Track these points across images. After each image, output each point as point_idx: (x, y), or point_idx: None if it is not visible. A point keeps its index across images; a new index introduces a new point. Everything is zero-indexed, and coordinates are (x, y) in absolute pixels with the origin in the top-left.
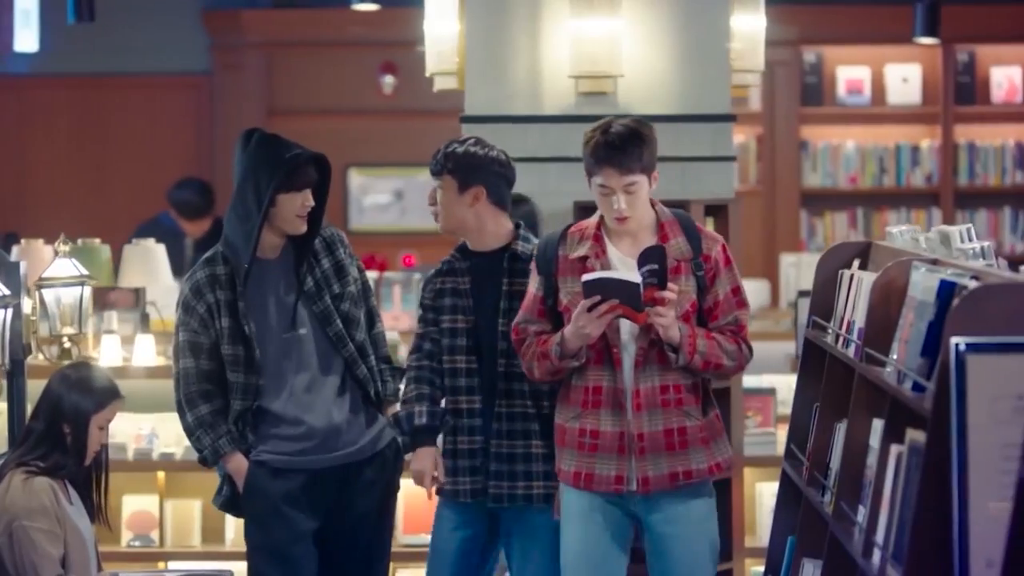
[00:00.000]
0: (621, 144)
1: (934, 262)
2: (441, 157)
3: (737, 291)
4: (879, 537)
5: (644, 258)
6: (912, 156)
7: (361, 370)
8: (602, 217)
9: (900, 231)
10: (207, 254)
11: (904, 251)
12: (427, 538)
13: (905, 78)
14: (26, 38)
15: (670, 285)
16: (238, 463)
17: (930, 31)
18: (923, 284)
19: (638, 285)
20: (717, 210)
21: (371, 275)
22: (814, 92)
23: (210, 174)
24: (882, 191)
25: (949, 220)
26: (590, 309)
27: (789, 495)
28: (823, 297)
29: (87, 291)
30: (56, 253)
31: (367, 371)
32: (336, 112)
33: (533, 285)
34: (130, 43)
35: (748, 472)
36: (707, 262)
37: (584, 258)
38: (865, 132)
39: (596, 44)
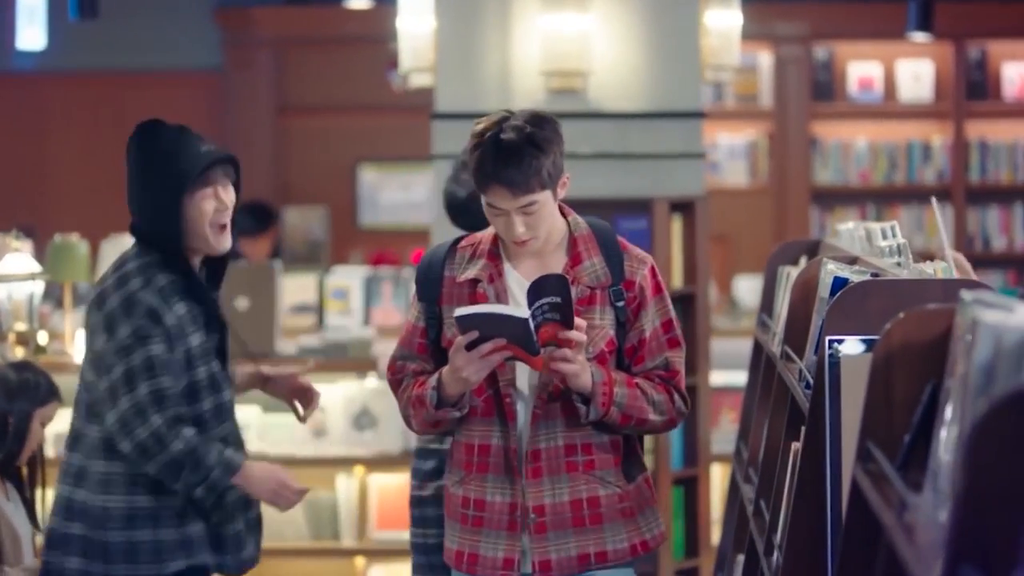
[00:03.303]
0: (513, 158)
1: (853, 260)
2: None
3: (669, 326)
4: (778, 536)
5: (536, 291)
6: (923, 153)
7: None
8: None
9: (848, 228)
10: (135, 263)
11: (841, 249)
12: (402, 534)
13: (916, 75)
14: (32, 35)
15: (578, 321)
16: (260, 468)
17: (923, 26)
18: (824, 281)
19: (526, 321)
20: (685, 208)
21: (363, 271)
22: (825, 89)
23: None
24: (893, 188)
25: (961, 217)
26: (469, 348)
27: (735, 492)
28: (771, 295)
29: (39, 287)
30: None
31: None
32: (347, 108)
33: (412, 313)
34: (142, 40)
35: (722, 468)
36: (629, 289)
37: (475, 281)
38: (876, 129)
39: (566, 41)
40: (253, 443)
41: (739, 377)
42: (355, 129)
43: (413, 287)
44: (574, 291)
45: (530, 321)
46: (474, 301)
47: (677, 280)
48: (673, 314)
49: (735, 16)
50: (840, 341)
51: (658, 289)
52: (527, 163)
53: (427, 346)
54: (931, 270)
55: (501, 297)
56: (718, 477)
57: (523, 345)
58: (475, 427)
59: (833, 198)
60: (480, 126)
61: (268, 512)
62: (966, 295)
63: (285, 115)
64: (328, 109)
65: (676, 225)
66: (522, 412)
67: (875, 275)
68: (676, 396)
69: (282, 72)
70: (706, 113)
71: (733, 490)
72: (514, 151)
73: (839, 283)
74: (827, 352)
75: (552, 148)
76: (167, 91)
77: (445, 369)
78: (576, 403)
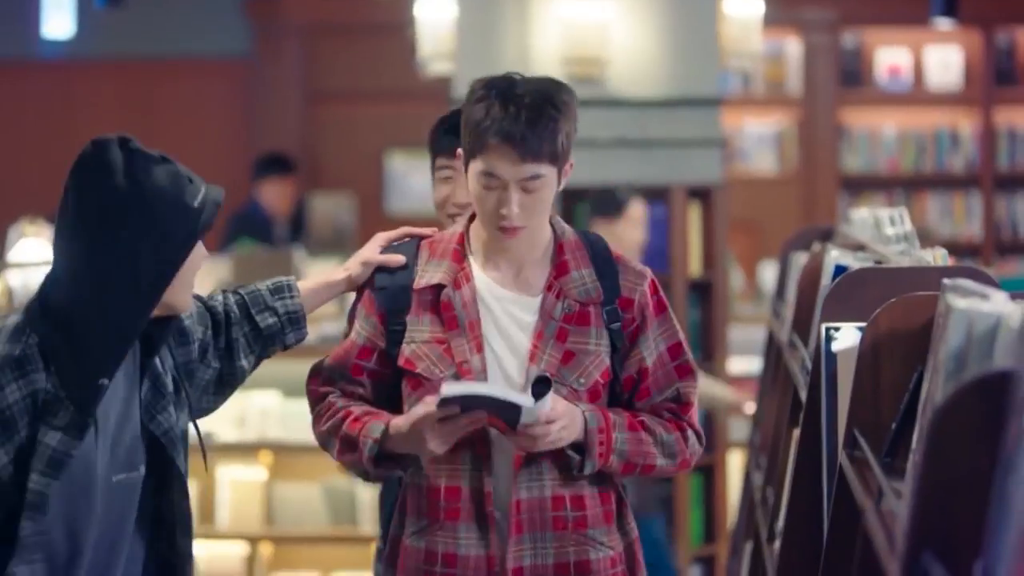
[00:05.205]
0: (528, 114)
1: (861, 247)
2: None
3: (678, 351)
4: (780, 523)
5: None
6: (952, 140)
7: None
8: (468, 225)
9: (861, 215)
10: (7, 350)
11: (853, 236)
12: None
13: (945, 62)
14: (59, 23)
15: (542, 412)
16: None
17: (947, 12)
18: (827, 268)
19: (530, 411)
20: (703, 194)
21: None
22: (853, 76)
23: (250, 158)
24: (921, 176)
25: (989, 205)
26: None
27: (748, 479)
28: (785, 282)
29: None
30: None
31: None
32: (376, 95)
33: (358, 327)
34: (170, 27)
35: (742, 456)
36: (627, 309)
37: (438, 287)
38: (904, 116)
39: (585, 28)
40: (273, 430)
41: (754, 364)
42: (383, 116)
43: (354, 297)
44: (559, 306)
45: (534, 410)
46: (436, 311)
47: (695, 267)
48: (682, 336)
49: (755, 3)
50: (837, 329)
51: (661, 308)
52: (544, 123)
53: (364, 369)
54: (930, 257)
55: (468, 306)
56: (738, 464)
57: (511, 423)
58: (440, 466)
59: (861, 185)
60: (481, 80)
61: (287, 498)
62: (946, 282)
63: (314, 103)
64: (357, 96)
65: (694, 212)
66: (498, 455)
67: (879, 262)
68: (690, 434)
69: (311, 60)
70: (734, 100)
71: (746, 477)
72: (531, 106)
73: (840, 271)
74: (823, 339)
75: (571, 115)
76: (196, 79)
77: (398, 424)
78: (569, 454)
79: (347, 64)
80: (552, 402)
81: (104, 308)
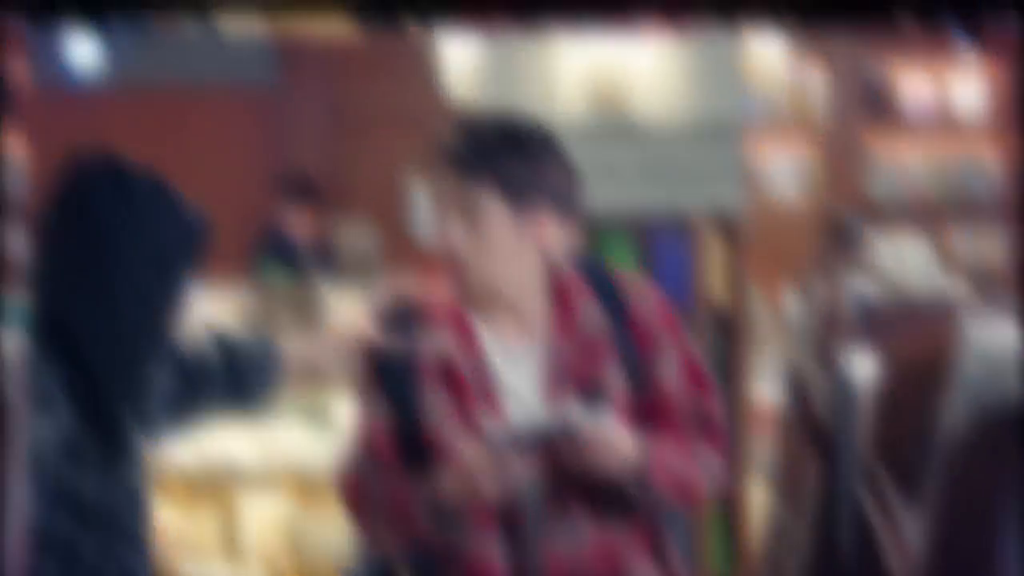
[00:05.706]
0: (475, 138)
1: (884, 279)
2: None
3: (693, 365)
4: (802, 553)
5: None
6: (979, 170)
7: None
8: None
9: (885, 246)
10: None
11: (878, 267)
12: None
13: (971, 91)
14: (84, 54)
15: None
16: None
17: (973, 41)
18: (850, 300)
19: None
20: (727, 225)
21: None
22: (878, 106)
23: (276, 186)
24: (947, 206)
25: (1017, 235)
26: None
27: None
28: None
29: None
30: None
31: None
32: (403, 122)
33: (370, 412)
34: (195, 56)
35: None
36: (638, 330)
37: (448, 358)
38: (930, 146)
39: (607, 54)
40: (299, 461)
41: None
42: (410, 144)
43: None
44: (570, 343)
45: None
46: (448, 383)
47: (719, 298)
48: (694, 349)
49: (780, 32)
50: (859, 359)
51: (670, 321)
52: (490, 149)
53: (390, 452)
54: (952, 289)
55: (483, 378)
56: (761, 494)
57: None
58: (467, 540)
59: (885, 216)
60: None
61: (311, 529)
62: (965, 314)
63: (340, 130)
64: (383, 124)
65: (717, 243)
66: (531, 509)
67: (900, 294)
68: (720, 451)
69: (337, 88)
70: (756, 129)
71: (768, 507)
72: (481, 132)
73: (862, 302)
74: (844, 370)
75: (531, 154)
76: (221, 107)
77: (447, 478)
78: (627, 488)
79: (374, 94)
80: (608, 422)
81: (118, 340)
